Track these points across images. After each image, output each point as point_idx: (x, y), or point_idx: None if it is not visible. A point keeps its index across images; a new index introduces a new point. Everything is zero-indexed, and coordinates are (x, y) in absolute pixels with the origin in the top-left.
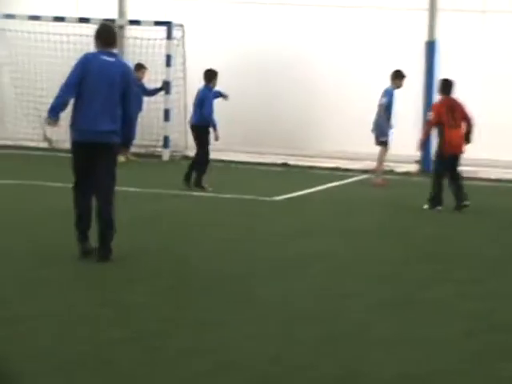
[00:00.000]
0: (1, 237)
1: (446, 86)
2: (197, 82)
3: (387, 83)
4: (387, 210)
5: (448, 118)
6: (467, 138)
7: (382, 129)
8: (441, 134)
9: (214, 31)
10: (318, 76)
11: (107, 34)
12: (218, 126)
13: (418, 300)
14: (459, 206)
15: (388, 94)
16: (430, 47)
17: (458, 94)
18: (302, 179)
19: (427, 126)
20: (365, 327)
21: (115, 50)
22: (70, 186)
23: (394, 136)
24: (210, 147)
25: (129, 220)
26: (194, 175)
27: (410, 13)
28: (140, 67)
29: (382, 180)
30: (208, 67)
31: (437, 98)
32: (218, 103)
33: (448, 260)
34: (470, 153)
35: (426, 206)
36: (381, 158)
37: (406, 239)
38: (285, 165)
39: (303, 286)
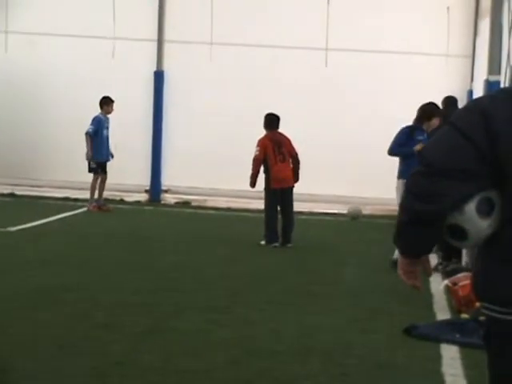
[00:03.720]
0: None
1: (271, 120)
2: None
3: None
4: (124, 239)
5: (274, 153)
6: (295, 175)
7: (90, 156)
8: (266, 169)
9: None
10: (48, 104)
11: None
12: None
13: (174, 328)
14: (282, 244)
15: (95, 122)
16: (158, 77)
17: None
18: (33, 210)
19: (255, 162)
20: (129, 359)
21: None
22: None
23: (122, 165)
24: None
25: None
26: None
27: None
28: None
29: (94, 206)
30: None
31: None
32: None
33: (193, 289)
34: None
35: (262, 242)
36: (93, 185)
37: (149, 268)
38: (12, 195)
39: (58, 318)
